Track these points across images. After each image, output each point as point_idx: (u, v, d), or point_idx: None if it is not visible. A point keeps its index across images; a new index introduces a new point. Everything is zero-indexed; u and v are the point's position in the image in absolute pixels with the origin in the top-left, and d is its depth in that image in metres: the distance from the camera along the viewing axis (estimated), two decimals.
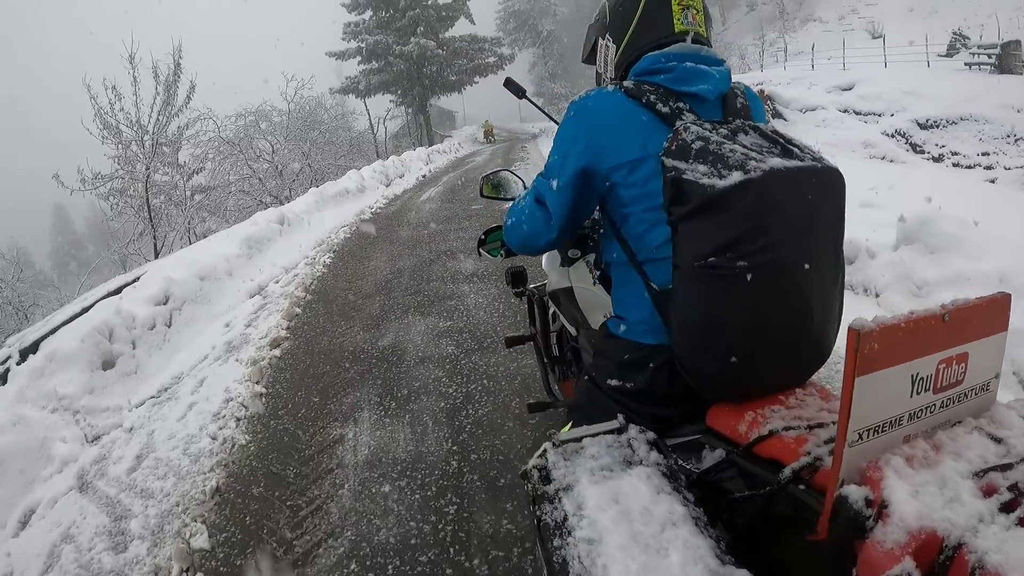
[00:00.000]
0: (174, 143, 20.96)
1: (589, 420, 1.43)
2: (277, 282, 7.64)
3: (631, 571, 0.97)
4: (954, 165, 18.88)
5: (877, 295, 5.06)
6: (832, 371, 3.32)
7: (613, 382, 1.56)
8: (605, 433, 1.30)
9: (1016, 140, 18.91)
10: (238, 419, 4.20)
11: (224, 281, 7.36)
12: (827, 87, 22.73)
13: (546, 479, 1.23)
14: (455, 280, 6.85)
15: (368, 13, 39.95)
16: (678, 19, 1.55)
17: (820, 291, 1.35)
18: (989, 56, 23.23)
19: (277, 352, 5.29)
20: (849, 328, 0.89)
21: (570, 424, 1.64)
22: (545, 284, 2.88)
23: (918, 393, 0.98)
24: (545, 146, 27.35)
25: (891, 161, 18.53)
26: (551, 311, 2.90)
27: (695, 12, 1.57)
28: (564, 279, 2.47)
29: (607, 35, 1.68)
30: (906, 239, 5.21)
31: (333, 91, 38.00)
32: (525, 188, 2.41)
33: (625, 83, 1.52)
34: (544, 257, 2.74)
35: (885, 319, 0.91)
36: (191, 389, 4.84)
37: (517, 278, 2.90)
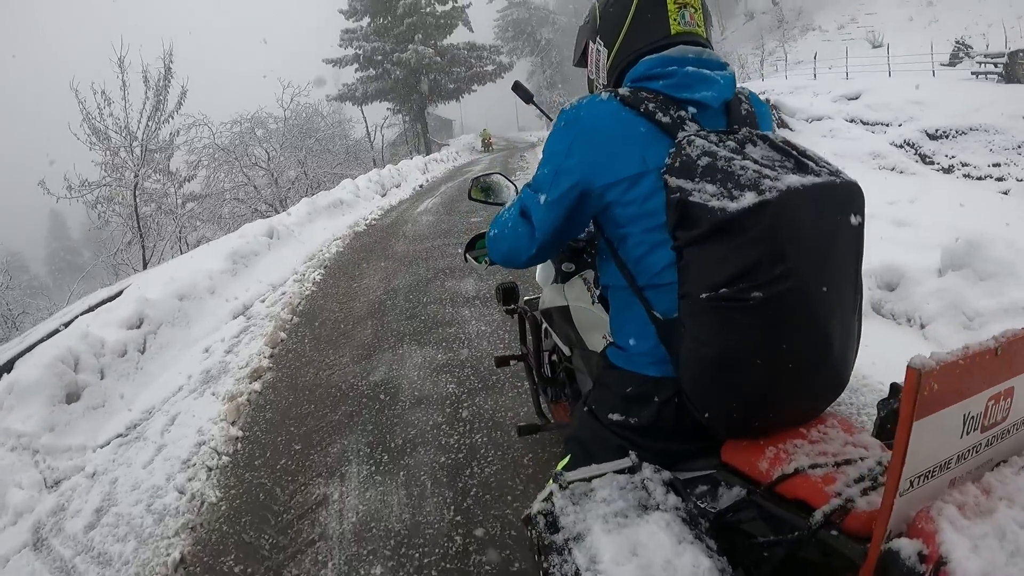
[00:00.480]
0: (165, 149, 20.54)
1: (588, 454, 1.39)
2: (263, 301, 7.16)
3: None
4: (965, 176, 18.50)
5: (923, 326, 4.58)
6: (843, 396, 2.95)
7: (615, 416, 1.43)
8: (616, 472, 1.20)
9: None
10: (209, 469, 3.71)
11: (206, 300, 6.86)
12: (833, 96, 22.39)
13: (553, 527, 1.13)
14: (455, 303, 6.34)
15: (366, 20, 39.58)
16: (675, 19, 1.42)
17: (839, 317, 1.22)
18: (996, 65, 22.92)
19: (257, 386, 4.79)
20: (908, 367, 0.79)
21: (568, 457, 1.50)
22: (537, 299, 2.78)
23: (968, 433, 0.89)
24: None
25: (901, 172, 18.12)
26: (543, 329, 2.73)
27: (693, 11, 1.43)
28: (559, 297, 2.30)
29: (598, 38, 1.56)
30: (953, 264, 4.75)
31: (330, 98, 37.74)
32: (517, 194, 2.05)
33: (621, 90, 1.38)
34: (538, 271, 2.59)
35: (942, 356, 0.82)
36: (161, 428, 4.36)
37: (508, 295, 2.80)
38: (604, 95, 1.38)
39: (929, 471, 0.86)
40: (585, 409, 1.55)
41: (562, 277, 2.33)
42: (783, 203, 1.10)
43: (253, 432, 4.12)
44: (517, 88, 2.51)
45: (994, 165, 18.63)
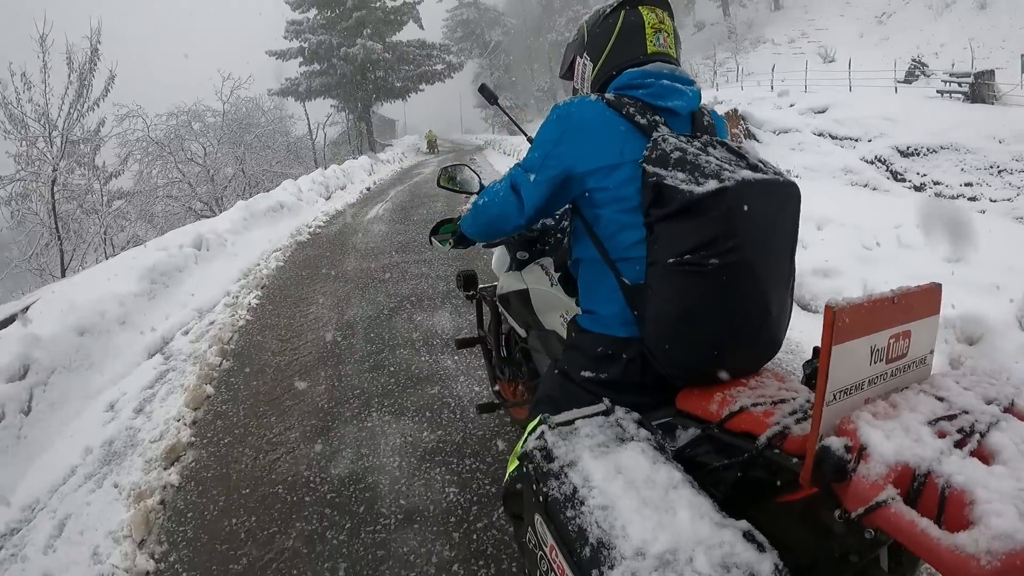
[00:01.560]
0: (90, 141, 18.77)
1: (560, 411, 1.48)
2: (186, 333, 5.78)
3: (648, 529, 1.11)
4: (937, 195, 18.03)
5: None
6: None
7: (587, 374, 1.68)
8: (594, 415, 1.43)
9: (999, 171, 18.17)
10: None
11: (114, 334, 5.43)
12: (800, 109, 21.83)
13: (548, 458, 1.33)
14: (431, 347, 5.04)
15: (313, 12, 37.65)
16: (651, 41, 1.70)
17: (777, 289, 1.53)
18: (960, 84, 22.68)
19: (174, 477, 3.41)
20: (826, 305, 1.06)
21: (536, 420, 1.50)
22: (494, 287, 3.01)
23: (875, 363, 1.18)
24: (494, 158, 26.23)
25: (874, 189, 17.54)
26: (501, 314, 2.95)
27: (666, 35, 1.73)
28: (518, 282, 2.59)
29: (584, 54, 1.83)
30: None
31: (271, 92, 35.78)
32: (482, 185, 2.52)
33: (607, 95, 1.64)
34: (494, 260, 2.94)
35: (852, 299, 1.10)
36: (45, 542, 2.99)
37: (468, 281, 3.05)
38: (592, 97, 1.65)
39: (847, 388, 1.14)
40: (556, 372, 1.81)
41: (517, 264, 2.67)
42: (738, 191, 1.39)
43: (169, 563, 2.76)
44: (483, 90, 2.75)
45: (966, 184, 18.29)
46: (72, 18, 17.98)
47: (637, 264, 1.57)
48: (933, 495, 0.99)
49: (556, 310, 2.26)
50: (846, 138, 20.14)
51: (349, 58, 35.10)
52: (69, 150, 17.40)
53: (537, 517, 1.33)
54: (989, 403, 1.18)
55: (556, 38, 53.55)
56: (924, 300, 1.26)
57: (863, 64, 28.59)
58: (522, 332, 2.68)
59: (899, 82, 27.30)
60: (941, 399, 1.20)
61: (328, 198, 15.88)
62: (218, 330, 5.74)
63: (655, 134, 1.52)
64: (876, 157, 19.23)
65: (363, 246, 9.56)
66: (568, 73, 1.97)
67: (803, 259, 5.60)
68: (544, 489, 1.29)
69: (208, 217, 21.29)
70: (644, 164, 1.49)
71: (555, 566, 1.26)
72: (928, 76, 27.25)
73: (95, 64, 17.89)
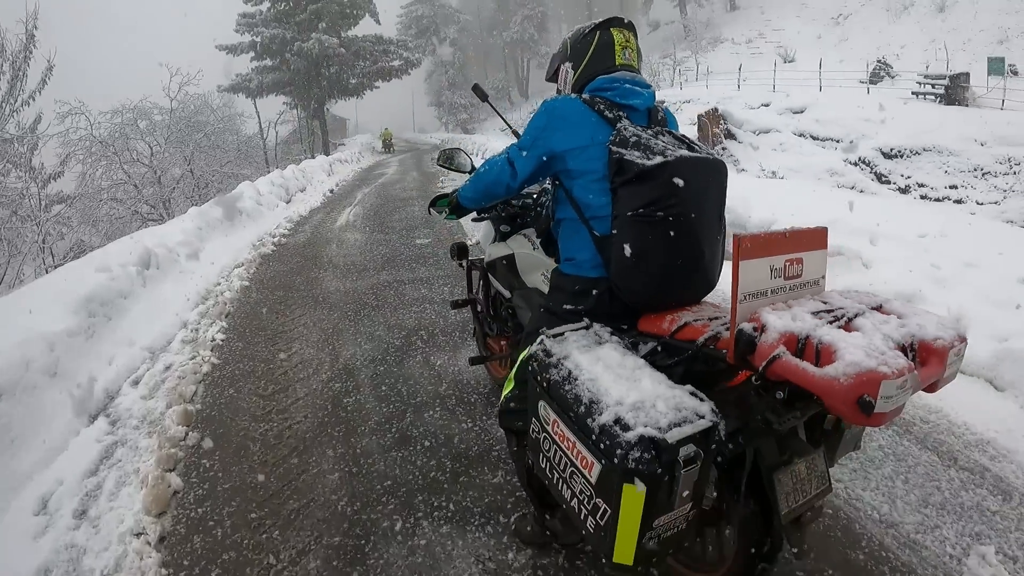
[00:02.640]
0: (26, 139, 17.08)
1: None
2: (136, 383, 4.47)
3: (624, 390, 1.63)
4: (922, 197, 17.40)
5: None
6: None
7: (568, 307, 2.20)
8: (578, 329, 1.98)
9: (983, 174, 17.60)
10: None
11: (43, 390, 4.02)
12: (778, 109, 21.07)
13: (548, 354, 1.85)
14: (471, 406, 3.81)
15: (266, 4, 35.80)
16: (619, 55, 2.27)
17: (708, 238, 2.05)
18: (933, 87, 22.20)
19: None
20: (734, 235, 1.63)
21: (537, 339, 2.00)
22: (482, 259, 3.54)
23: (775, 278, 1.73)
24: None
25: (861, 191, 16.76)
26: (489, 279, 3.48)
27: (631, 51, 2.30)
28: (504, 249, 3.16)
29: (567, 63, 2.39)
30: None
31: (221, 89, 33.86)
32: (474, 167, 3.15)
33: (583, 95, 2.21)
34: (481, 235, 3.87)
35: (753, 232, 1.67)
36: None
37: (461, 251, 3.63)
38: (573, 96, 2.22)
39: (755, 293, 1.68)
40: (542, 310, 2.37)
41: (501, 236, 3.26)
42: (677, 164, 1.94)
43: None
44: (476, 89, 3.21)
45: (951, 187, 17.72)
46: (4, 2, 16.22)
47: (604, 220, 2.09)
48: (811, 349, 1.52)
49: (538, 269, 2.81)
50: (827, 139, 19.47)
51: (303, 53, 33.39)
52: (1, 150, 15.57)
53: (540, 403, 1.85)
54: (862, 304, 1.75)
55: (511, 37, 52.53)
56: (812, 237, 1.84)
57: (826, 64, 28.54)
58: (506, 293, 3.17)
59: (863, 82, 26.97)
60: (825, 302, 1.75)
61: (289, 201, 14.45)
62: (177, 380, 4.43)
63: (619, 124, 2.08)
64: (860, 159, 18.57)
65: (341, 260, 8.28)
66: (553, 77, 2.53)
67: (878, 283, 5.00)
68: (546, 376, 1.81)
69: (156, 222, 19.70)
70: (610, 145, 2.04)
71: (557, 436, 1.76)
72: (893, 77, 26.89)
73: (30, 52, 16.21)
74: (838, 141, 19.24)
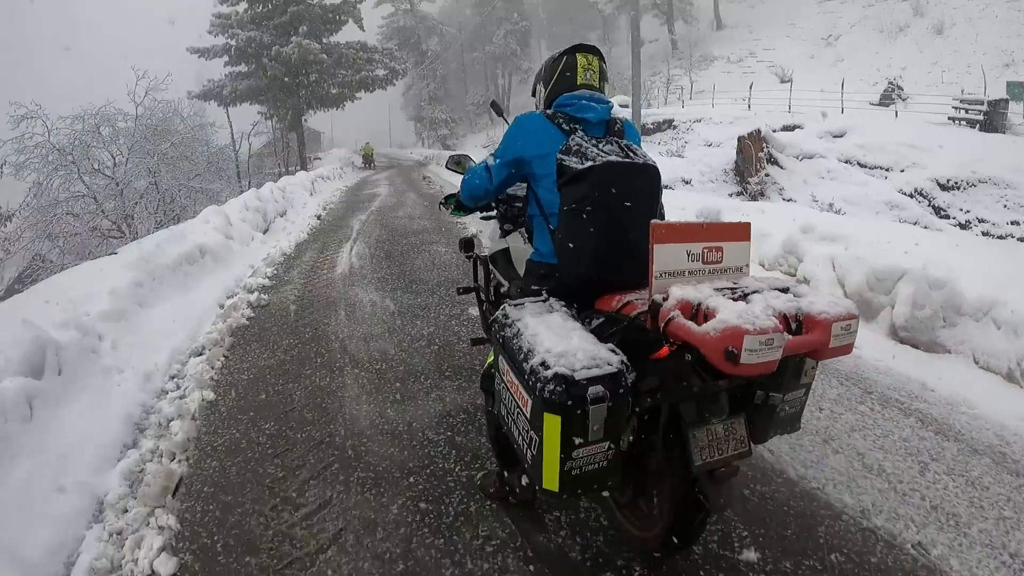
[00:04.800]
0: None
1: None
2: None
3: (554, 343, 1.89)
4: (983, 233, 14.83)
5: None
6: None
7: (535, 287, 2.48)
8: (537, 301, 2.29)
9: None
10: None
11: None
12: (817, 132, 18.40)
13: (506, 317, 2.18)
14: None
15: (243, 4, 32.39)
16: (580, 76, 2.59)
17: (637, 229, 2.14)
18: (967, 111, 19.90)
19: None
20: (651, 222, 1.91)
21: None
22: (486, 251, 3.84)
23: (692, 262, 1.98)
24: (446, 173, 21.89)
25: (925, 227, 14.14)
26: (490, 271, 3.71)
27: (592, 72, 2.61)
28: (502, 243, 3.48)
29: (541, 83, 2.78)
30: None
31: (192, 95, 30.34)
32: (474, 164, 3.51)
33: (547, 111, 2.56)
34: (488, 232, 3.97)
35: (670, 222, 2.03)
36: None
37: (467, 245, 4.06)
38: (538, 112, 2.59)
39: (670, 272, 1.94)
40: (518, 290, 2.73)
41: (503, 233, 3.52)
42: (603, 167, 2.26)
43: None
44: (494, 105, 3.65)
45: (1012, 223, 15.16)
46: None
47: (557, 216, 2.39)
48: (701, 314, 1.78)
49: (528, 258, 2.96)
50: (875, 167, 16.86)
51: (281, 58, 29.99)
52: None
53: (500, 358, 2.16)
54: (767, 285, 2.03)
55: (493, 51, 50.03)
56: (734, 230, 2.09)
57: (823, 84, 27.15)
58: (505, 283, 3.39)
59: (874, 104, 25.07)
60: (736, 284, 2.02)
61: (267, 230, 11.34)
62: None
63: (571, 135, 2.38)
64: (916, 190, 15.95)
65: (363, 349, 5.24)
66: (533, 93, 2.89)
67: None
68: (502, 334, 2.12)
69: (117, 239, 17.49)
70: (558, 154, 2.35)
71: (508, 384, 2.07)
72: (904, 99, 24.71)
73: None
74: (887, 169, 16.70)
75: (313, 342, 5.39)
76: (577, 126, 2.42)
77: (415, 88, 56.34)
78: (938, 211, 15.62)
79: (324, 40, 33.13)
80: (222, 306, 6.49)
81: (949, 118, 20.17)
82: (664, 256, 1.90)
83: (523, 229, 3.25)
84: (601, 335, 2.04)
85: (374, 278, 7.52)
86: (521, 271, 3.05)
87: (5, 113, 17.05)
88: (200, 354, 5.21)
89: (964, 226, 15.32)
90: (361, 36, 36.05)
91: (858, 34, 36.82)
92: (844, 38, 37.55)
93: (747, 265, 2.10)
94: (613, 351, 1.88)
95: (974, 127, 19.49)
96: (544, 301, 2.28)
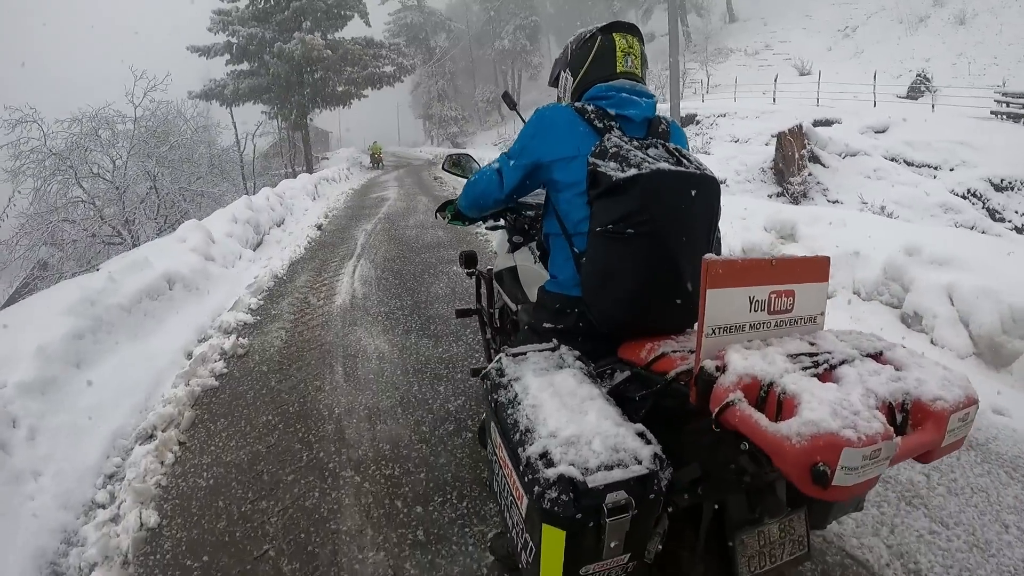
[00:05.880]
0: None
1: None
2: None
3: (562, 422, 1.37)
4: None
5: None
6: None
7: (548, 324, 1.98)
8: (544, 350, 1.75)
9: None
10: None
11: None
12: (858, 128, 16.83)
13: (501, 374, 1.65)
14: None
15: (243, 1, 30.75)
16: (620, 62, 2.00)
17: (692, 261, 1.70)
18: (1008, 104, 18.37)
19: None
20: (703, 259, 1.32)
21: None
22: (491, 268, 3.30)
23: (755, 311, 1.42)
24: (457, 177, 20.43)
25: (983, 232, 12.63)
26: (496, 291, 3.24)
27: (634, 58, 2.02)
28: (510, 260, 2.88)
29: (567, 69, 2.15)
30: None
31: (192, 95, 28.85)
32: (479, 167, 3.02)
33: (576, 103, 1.97)
34: (496, 242, 3.39)
35: (727, 256, 1.36)
36: None
37: (469, 260, 3.41)
38: (564, 104, 2.03)
39: (727, 326, 1.38)
40: (527, 327, 2.18)
41: (512, 247, 2.88)
42: (651, 177, 1.68)
43: None
44: (506, 97, 2.94)
45: None
46: None
47: (583, 236, 1.85)
48: (774, 399, 1.21)
49: (538, 283, 2.37)
50: (923, 165, 15.28)
51: (284, 55, 28.37)
52: None
53: (492, 424, 1.62)
54: (856, 349, 1.42)
55: (503, 47, 48.56)
56: (808, 267, 1.51)
57: (843, 77, 26.09)
58: (513, 306, 2.90)
59: (901, 98, 24.12)
60: (813, 343, 1.44)
61: (259, 243, 9.85)
62: None
63: (605, 135, 1.83)
64: (968, 191, 14.38)
65: (369, 435, 3.82)
66: (555, 82, 2.27)
67: None
68: (495, 397, 1.60)
69: (118, 246, 16.39)
70: (589, 156, 1.80)
71: (500, 459, 1.54)
72: (932, 92, 23.14)
73: None
74: (935, 168, 15.14)
75: (299, 421, 3.91)
76: (614, 124, 1.91)
77: (424, 86, 54.94)
78: (992, 213, 14.08)
79: (329, 36, 31.55)
80: (190, 355, 5.04)
81: (992, 112, 18.57)
82: (719, 304, 1.36)
83: (534, 244, 2.71)
84: (624, 399, 1.62)
85: (380, 313, 6.00)
86: (531, 294, 2.57)
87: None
88: (150, 437, 3.83)
89: (1020, 230, 13.81)
90: (367, 32, 34.47)
91: (876, 25, 35.36)
92: (861, 29, 36.11)
93: (822, 314, 1.56)
94: (644, 436, 1.37)
95: (1018, 121, 17.89)
96: (554, 350, 1.78)
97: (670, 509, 1.45)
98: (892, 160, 15.24)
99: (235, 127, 29.86)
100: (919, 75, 25.56)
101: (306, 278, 7.71)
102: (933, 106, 20.30)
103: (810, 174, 13.73)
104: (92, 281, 5.34)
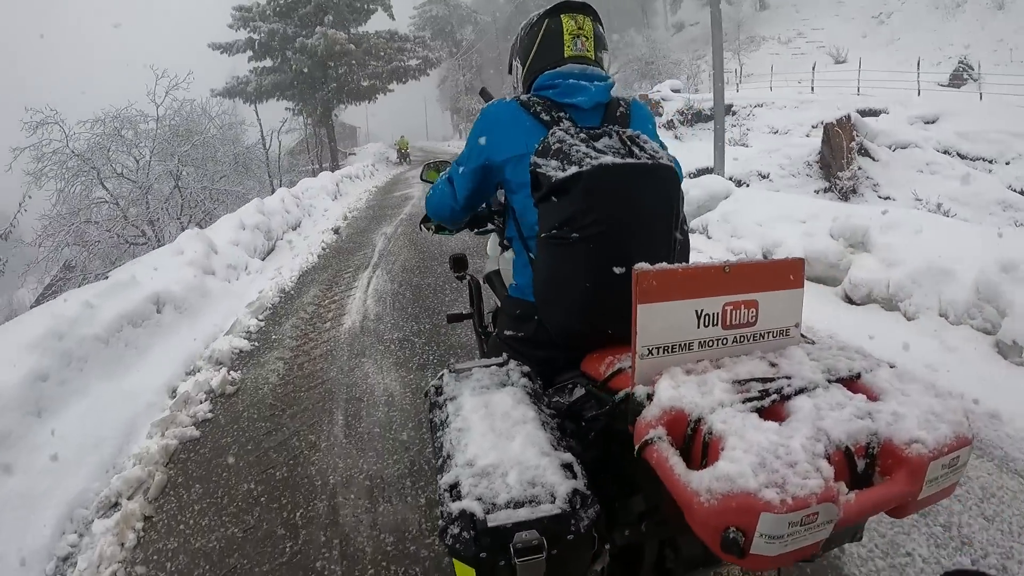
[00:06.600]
0: None
1: None
2: None
3: (483, 448, 1.21)
4: None
5: None
6: None
7: (508, 332, 1.79)
8: (491, 365, 1.56)
9: None
10: None
11: None
12: (908, 118, 15.76)
13: (439, 393, 1.49)
14: None
15: None
16: (568, 47, 1.78)
17: (650, 261, 1.31)
18: None
19: None
20: (632, 269, 1.12)
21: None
22: (481, 269, 3.15)
23: (705, 326, 1.19)
24: None
25: None
26: (487, 293, 3.05)
27: (584, 39, 1.79)
28: (496, 263, 2.72)
29: (517, 58, 1.94)
30: None
31: (215, 93, 28.41)
32: None
33: (521, 96, 1.77)
34: (489, 246, 2.98)
35: (661, 265, 1.15)
36: None
37: (458, 263, 3.11)
38: (508, 98, 1.78)
39: (667, 345, 1.17)
40: (493, 333, 2.01)
41: (503, 249, 2.55)
42: (594, 174, 1.47)
43: None
44: (483, 94, 2.61)
45: None
46: None
47: (535, 240, 1.65)
48: (700, 439, 1.01)
49: None
50: (977, 158, 14.14)
51: (307, 51, 27.79)
52: None
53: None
54: (826, 372, 1.16)
55: None
56: (776, 273, 1.24)
57: (878, 65, 24.82)
58: None
59: (943, 86, 23.27)
60: (774, 365, 1.20)
61: (271, 250, 9.14)
62: None
63: (551, 129, 1.60)
64: None
65: (369, 519, 3.08)
66: (511, 71, 2.05)
67: None
68: (431, 416, 1.44)
69: (140, 244, 16.41)
70: (532, 156, 1.58)
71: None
72: (976, 79, 22.07)
73: None
74: (990, 161, 14.05)
75: (286, 493, 3.17)
76: (563, 115, 1.68)
77: (450, 79, 54.21)
78: None
79: (352, 30, 30.85)
80: (174, 393, 4.33)
81: None
82: (657, 320, 1.16)
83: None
84: (577, 417, 1.49)
85: (393, 341, 5.24)
86: None
87: (20, 119, 15.95)
88: (115, 506, 3.19)
89: None
90: (392, 25, 33.73)
91: (911, 11, 33.91)
92: (896, 16, 34.64)
93: (797, 325, 1.29)
94: (569, 468, 1.18)
95: None
96: (502, 365, 1.56)
97: (607, 546, 1.30)
98: (945, 153, 14.17)
99: (260, 124, 29.37)
100: (961, 62, 24.38)
101: (315, 293, 6.99)
102: (981, 95, 19.11)
103: (859, 168, 12.71)
104: (65, 308, 4.62)
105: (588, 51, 1.80)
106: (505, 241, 2.50)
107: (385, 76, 32.27)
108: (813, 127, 16.87)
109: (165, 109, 19.72)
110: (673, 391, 1.09)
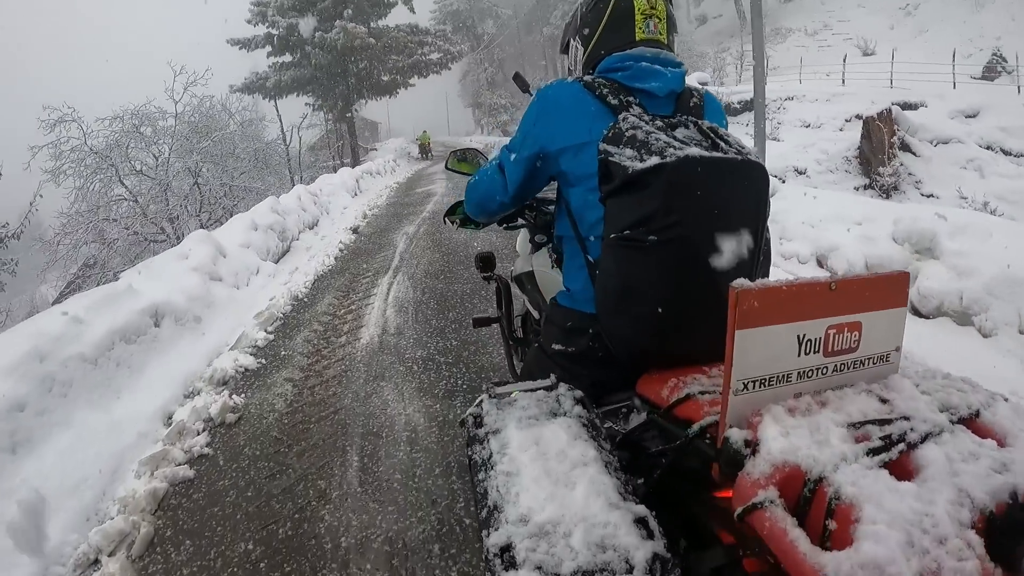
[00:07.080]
0: None
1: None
2: None
3: (539, 499, 1.01)
4: None
5: None
6: None
7: (557, 347, 1.60)
8: (538, 389, 1.35)
9: None
10: None
11: None
12: (948, 112, 15.03)
13: (479, 424, 1.27)
14: None
15: None
16: (640, 28, 1.57)
17: (734, 271, 1.31)
18: None
19: None
20: (730, 287, 0.91)
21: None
22: (512, 270, 2.90)
23: (807, 353, 0.98)
24: None
25: None
26: (516, 295, 2.84)
27: (657, 21, 1.59)
28: (528, 263, 2.53)
29: (576, 37, 1.70)
30: None
31: (233, 89, 28.08)
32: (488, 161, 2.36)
33: (585, 77, 1.56)
34: (518, 243, 2.79)
35: (765, 282, 0.94)
36: None
37: (486, 263, 2.95)
38: (570, 79, 1.57)
39: (764, 378, 0.95)
40: (536, 346, 1.77)
41: (533, 247, 2.47)
42: (678, 166, 1.26)
43: None
44: (517, 78, 2.43)
45: None
46: None
47: (599, 241, 1.46)
48: (822, 505, 0.82)
49: (556, 289, 1.93)
50: (1020, 154, 13.41)
51: (326, 45, 27.30)
52: None
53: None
54: (945, 411, 0.97)
55: (552, 32, 47.30)
56: (882, 289, 1.05)
57: (906, 57, 23.39)
58: (536, 313, 2.50)
59: (975, 79, 22.21)
60: (885, 401, 1.00)
61: (286, 251, 8.63)
62: None
63: (621, 114, 1.43)
64: None
65: None
66: (566, 50, 1.81)
67: None
68: (470, 452, 1.25)
69: (160, 242, 16.10)
70: (600, 142, 1.41)
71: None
72: (1010, 72, 21.38)
73: None
74: None
75: (289, 559, 2.66)
76: (633, 100, 1.46)
77: (472, 74, 53.77)
78: None
79: (372, 24, 30.38)
80: (170, 419, 3.82)
81: None
82: (754, 348, 0.92)
83: (551, 246, 2.24)
84: (636, 451, 1.27)
85: (417, 360, 4.68)
86: (550, 301, 1.98)
87: (38, 117, 15.71)
88: (95, 563, 2.73)
89: None
90: (412, 19, 33.28)
91: (939, 2, 32.81)
92: (924, 7, 33.64)
93: (898, 349, 1.07)
94: (644, 524, 0.98)
95: None
96: (551, 389, 1.34)
97: None
98: (988, 148, 13.43)
99: (280, 120, 28.99)
100: (995, 54, 23.53)
101: (330, 301, 6.43)
102: (1020, 88, 18.26)
103: (901, 164, 12.01)
104: (49, 324, 4.11)
105: (661, 33, 1.61)
106: (538, 238, 2.41)
107: (406, 70, 31.84)
108: (847, 121, 16.18)
109: (184, 106, 19.45)
110: (784, 441, 0.91)
